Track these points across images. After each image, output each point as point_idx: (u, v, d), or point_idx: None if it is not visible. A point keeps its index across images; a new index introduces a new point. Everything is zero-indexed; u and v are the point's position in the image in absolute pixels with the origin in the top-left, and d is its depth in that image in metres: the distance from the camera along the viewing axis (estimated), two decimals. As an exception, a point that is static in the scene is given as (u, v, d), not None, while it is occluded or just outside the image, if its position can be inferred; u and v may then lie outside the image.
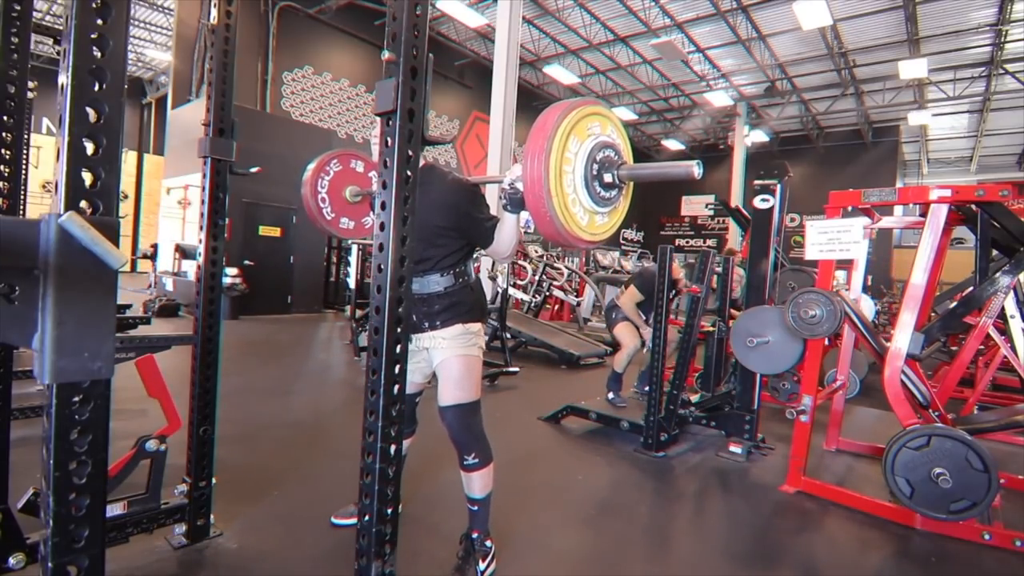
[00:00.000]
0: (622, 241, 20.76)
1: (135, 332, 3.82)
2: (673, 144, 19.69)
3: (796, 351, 2.84)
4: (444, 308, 1.77)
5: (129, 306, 5.27)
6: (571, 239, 1.31)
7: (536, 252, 9.56)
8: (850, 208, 2.86)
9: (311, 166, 2.26)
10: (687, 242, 21.46)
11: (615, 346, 4.26)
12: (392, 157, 1.21)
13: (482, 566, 1.78)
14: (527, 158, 1.24)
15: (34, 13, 1.60)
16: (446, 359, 1.76)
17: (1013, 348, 2.69)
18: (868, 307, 5.06)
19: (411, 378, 1.86)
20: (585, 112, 1.32)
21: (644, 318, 4.09)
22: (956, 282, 4.72)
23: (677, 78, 15.06)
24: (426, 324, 1.78)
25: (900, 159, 18.02)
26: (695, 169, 1.26)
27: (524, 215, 1.53)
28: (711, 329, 3.93)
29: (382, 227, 1.23)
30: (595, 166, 1.33)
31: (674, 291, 3.94)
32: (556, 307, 9.29)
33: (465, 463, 1.76)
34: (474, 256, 1.91)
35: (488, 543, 1.82)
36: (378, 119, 1.26)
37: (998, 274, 2.46)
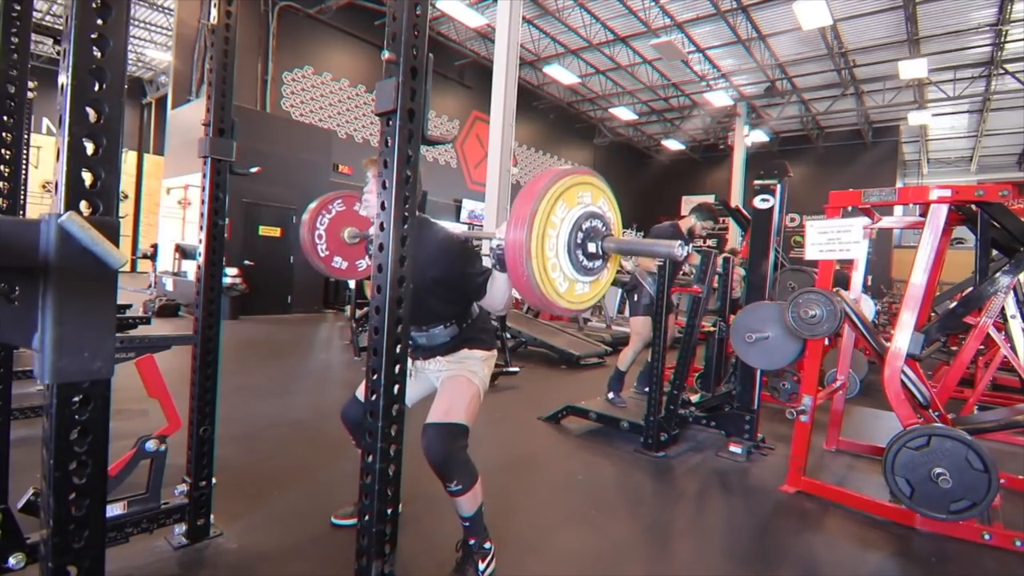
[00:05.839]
0: (622, 241, 20.70)
1: (135, 332, 3.83)
2: (673, 144, 19.66)
3: (795, 347, 2.84)
4: (451, 342, 1.87)
5: (129, 306, 5.27)
6: (547, 303, 1.28)
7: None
8: (850, 208, 2.86)
9: (315, 202, 2.24)
10: (687, 242, 21.44)
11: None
12: (392, 157, 1.21)
13: (482, 566, 1.78)
14: (512, 213, 1.21)
15: (34, 13, 1.60)
16: (446, 377, 1.84)
17: (1013, 348, 2.69)
18: (868, 307, 5.06)
19: (409, 393, 1.85)
20: (577, 180, 1.29)
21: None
22: (956, 282, 4.72)
23: (677, 78, 15.05)
24: (435, 354, 1.89)
25: (900, 159, 18.00)
26: (678, 250, 1.29)
27: None
28: (712, 329, 3.93)
29: (382, 227, 1.23)
30: (580, 234, 1.30)
31: (689, 245, 3.67)
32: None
33: (449, 490, 1.70)
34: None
35: (488, 544, 1.82)
36: (378, 119, 1.26)
37: (998, 274, 2.46)
